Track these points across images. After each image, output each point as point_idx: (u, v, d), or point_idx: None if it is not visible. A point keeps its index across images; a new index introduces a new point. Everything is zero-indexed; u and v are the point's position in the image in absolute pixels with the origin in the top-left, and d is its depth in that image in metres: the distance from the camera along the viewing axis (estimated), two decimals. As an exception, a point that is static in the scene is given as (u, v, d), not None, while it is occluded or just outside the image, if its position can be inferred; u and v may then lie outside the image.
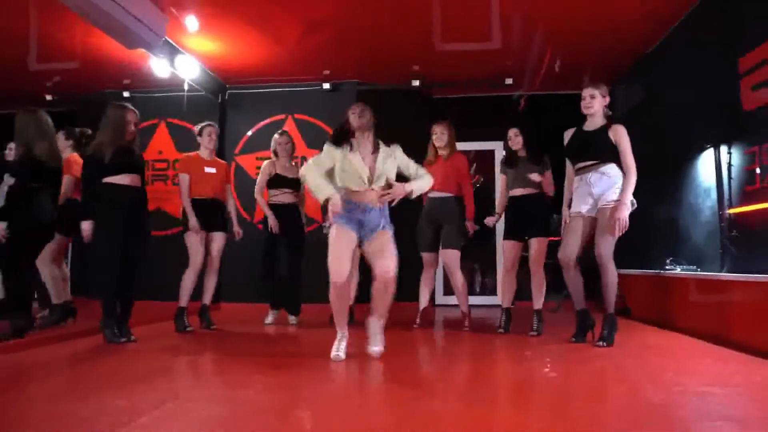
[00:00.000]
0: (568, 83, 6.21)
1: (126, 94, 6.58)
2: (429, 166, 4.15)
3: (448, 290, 6.55)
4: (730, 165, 4.01)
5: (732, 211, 3.96)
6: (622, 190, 3.39)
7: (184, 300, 4.22)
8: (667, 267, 4.53)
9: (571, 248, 3.61)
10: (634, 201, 3.43)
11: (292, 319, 4.75)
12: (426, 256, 4.54)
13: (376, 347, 3.06)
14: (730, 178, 4.01)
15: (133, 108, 3.78)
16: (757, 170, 3.68)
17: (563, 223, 3.76)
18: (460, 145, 6.00)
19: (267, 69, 6.21)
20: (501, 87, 6.37)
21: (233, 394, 2.37)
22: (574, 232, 3.62)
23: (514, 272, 4.18)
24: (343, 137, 3.10)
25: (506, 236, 4.19)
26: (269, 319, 4.76)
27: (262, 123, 6.55)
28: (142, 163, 3.89)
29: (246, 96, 6.63)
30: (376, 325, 3.11)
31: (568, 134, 3.80)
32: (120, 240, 3.56)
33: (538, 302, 4.08)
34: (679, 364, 2.99)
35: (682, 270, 4.38)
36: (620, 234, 3.38)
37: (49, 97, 6.78)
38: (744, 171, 3.87)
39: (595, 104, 3.58)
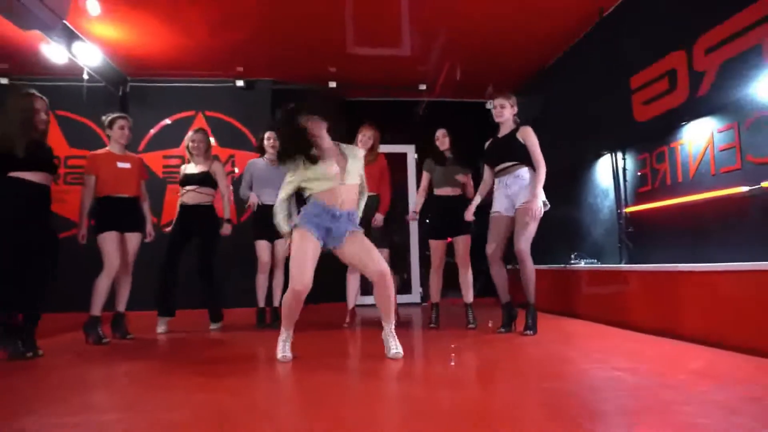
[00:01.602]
0: (472, 92, 6.65)
1: (4, 80, 5.84)
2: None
3: (365, 290, 6.64)
4: (624, 169, 4.55)
5: (628, 210, 4.49)
6: (534, 184, 3.72)
7: (97, 308, 3.85)
8: (572, 261, 5.01)
9: (496, 244, 3.90)
10: (547, 202, 3.78)
11: (215, 326, 4.53)
12: None
13: (393, 350, 2.99)
14: (625, 180, 4.55)
15: (41, 95, 3.39)
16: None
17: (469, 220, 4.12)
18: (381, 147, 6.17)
19: (175, 62, 5.85)
20: (414, 92, 6.60)
21: (169, 415, 2.23)
22: (496, 229, 3.92)
23: (441, 269, 4.38)
24: (305, 146, 2.98)
25: (433, 235, 4.37)
26: (162, 329, 4.41)
27: (169, 119, 6.15)
28: (54, 159, 3.50)
29: (151, 90, 6.18)
30: (387, 331, 3.07)
31: (486, 144, 4.09)
32: (16, 241, 3.18)
33: (469, 296, 4.31)
34: (599, 346, 3.34)
35: (585, 263, 4.86)
36: (535, 222, 3.69)
37: None
38: (636, 175, 4.41)
39: (505, 113, 3.94)
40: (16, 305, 3.25)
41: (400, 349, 3.00)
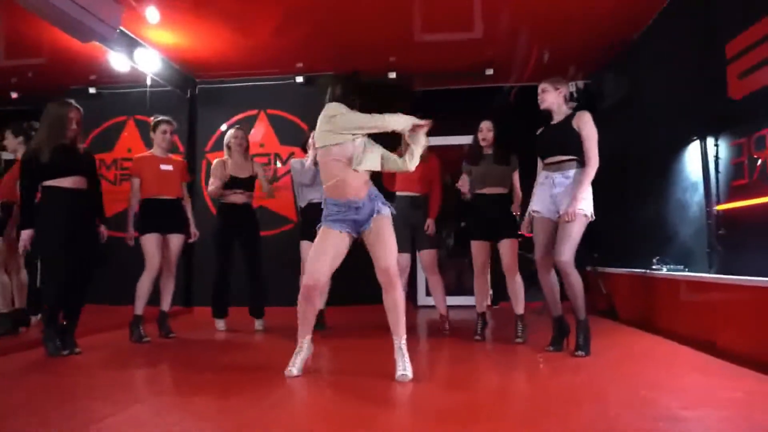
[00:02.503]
0: (545, 75, 5.96)
1: (92, 90, 6.33)
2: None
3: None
4: (717, 158, 3.75)
5: (719, 207, 3.71)
6: (579, 183, 3.20)
7: (139, 307, 3.98)
8: (653, 267, 4.28)
9: (543, 250, 3.43)
10: (592, 213, 3.25)
11: (258, 324, 4.50)
12: (399, 257, 4.29)
13: (401, 372, 2.65)
14: (717, 172, 3.76)
15: (76, 105, 3.52)
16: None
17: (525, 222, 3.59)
18: (440, 139, 5.79)
19: (237, 62, 5.93)
20: (481, 78, 6.10)
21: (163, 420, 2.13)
22: (542, 232, 3.45)
23: (486, 274, 3.96)
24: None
25: (475, 236, 3.94)
26: (220, 326, 4.48)
27: (233, 118, 6.27)
28: (90, 162, 3.61)
29: (217, 91, 6.35)
30: (396, 346, 2.75)
31: (538, 132, 3.59)
32: (63, 247, 3.32)
33: (519, 306, 3.84)
34: (657, 378, 2.74)
35: (669, 270, 4.13)
36: (579, 228, 3.19)
37: (14, 95, 6.53)
38: (731, 164, 3.62)
39: (547, 98, 3.43)
40: (60, 305, 3.41)
41: (409, 371, 2.66)
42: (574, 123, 3.34)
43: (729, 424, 2.02)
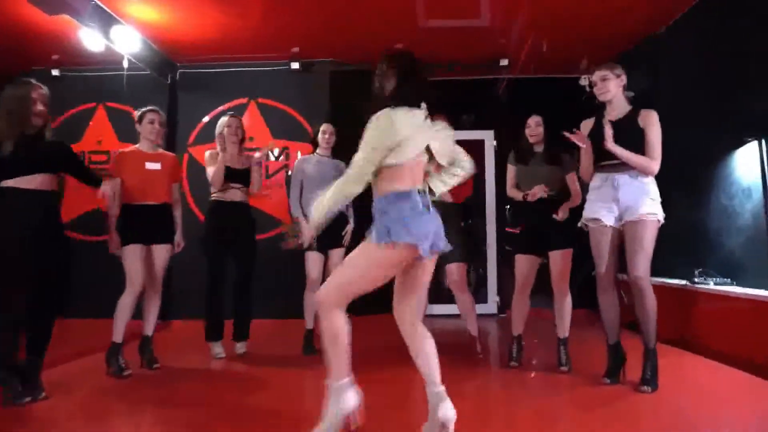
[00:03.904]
0: (563, 66, 5.56)
1: (56, 72, 5.55)
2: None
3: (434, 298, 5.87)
4: (780, 162, 3.38)
5: (786, 217, 3.34)
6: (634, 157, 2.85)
7: (119, 333, 3.34)
8: (695, 279, 3.91)
9: (607, 264, 3.00)
10: (663, 214, 2.88)
11: (239, 347, 3.90)
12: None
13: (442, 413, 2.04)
14: (780, 177, 3.39)
15: (39, 84, 2.87)
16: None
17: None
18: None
19: (225, 45, 5.28)
20: (495, 69, 5.62)
21: None
22: (604, 244, 3.01)
23: (528, 292, 3.49)
24: None
25: (520, 248, 3.46)
26: (217, 353, 3.83)
27: (220, 108, 5.60)
28: (60, 156, 2.96)
29: (201, 77, 5.67)
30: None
31: (586, 125, 3.15)
32: (19, 266, 2.69)
33: (564, 329, 3.38)
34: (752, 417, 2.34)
35: (716, 284, 3.76)
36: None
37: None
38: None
39: (610, 87, 3.00)
40: (13, 339, 2.76)
41: (451, 415, 2.04)
42: (641, 121, 2.92)
43: None
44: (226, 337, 3.88)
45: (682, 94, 4.43)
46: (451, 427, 2.04)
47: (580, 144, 2.98)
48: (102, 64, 5.24)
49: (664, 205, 2.91)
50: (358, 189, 2.07)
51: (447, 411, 2.04)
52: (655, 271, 4.14)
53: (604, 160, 2.99)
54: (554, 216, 3.32)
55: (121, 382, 3.19)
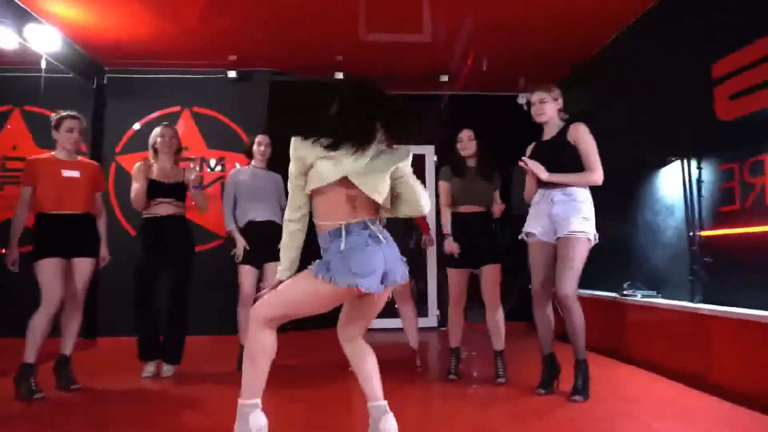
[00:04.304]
0: (503, 84, 5.72)
1: (-34, 71, 5.12)
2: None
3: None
4: (700, 181, 3.58)
5: (704, 233, 3.53)
6: (570, 176, 2.95)
7: (31, 353, 3.04)
8: (624, 292, 4.07)
9: (541, 278, 3.08)
10: (596, 235, 2.97)
11: (168, 369, 3.66)
12: None
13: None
14: (699, 195, 3.59)
15: None
16: None
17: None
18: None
19: (158, 50, 5.05)
20: (435, 84, 5.70)
21: None
22: (539, 259, 3.09)
23: (462, 305, 3.50)
24: None
25: (452, 263, 3.47)
26: (148, 372, 3.62)
27: (151, 116, 5.34)
28: None
29: (130, 81, 5.38)
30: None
31: (529, 149, 3.22)
32: None
33: (499, 342, 3.41)
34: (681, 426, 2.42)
35: (643, 296, 3.92)
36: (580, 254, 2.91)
37: None
38: (719, 189, 3.45)
39: (546, 110, 3.10)
40: None
41: (393, 428, 1.99)
42: (570, 137, 3.02)
43: None
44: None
45: (613, 115, 4.65)
46: None
47: (538, 173, 2.98)
48: (18, 65, 4.88)
49: (597, 220, 3.00)
50: (296, 217, 2.01)
51: (389, 426, 1.98)
52: (589, 284, 4.31)
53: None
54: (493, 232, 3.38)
55: (33, 407, 2.89)
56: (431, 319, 6.08)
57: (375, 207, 2.02)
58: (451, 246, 3.38)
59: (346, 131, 1.99)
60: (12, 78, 5.12)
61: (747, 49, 3.18)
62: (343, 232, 1.92)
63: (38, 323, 3.07)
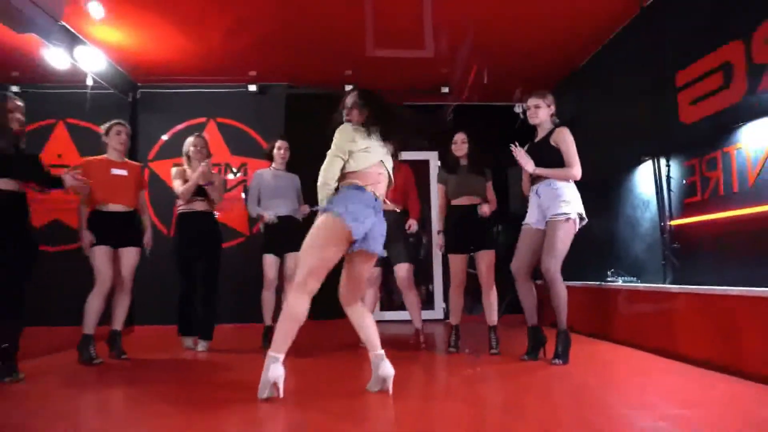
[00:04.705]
0: (499, 95, 6.21)
1: (15, 88, 5.69)
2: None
3: (386, 306, 6.30)
4: (669, 177, 4.06)
5: (673, 222, 4.00)
6: (550, 170, 3.39)
7: (89, 326, 3.59)
8: (608, 279, 4.52)
9: (522, 259, 3.52)
10: (582, 215, 3.39)
11: (202, 345, 4.19)
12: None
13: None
14: (669, 190, 4.05)
15: (14, 96, 3.16)
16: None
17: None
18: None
19: (185, 67, 5.62)
20: (437, 95, 6.21)
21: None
22: (524, 242, 3.56)
23: (462, 287, 3.98)
24: None
25: (452, 249, 3.96)
26: (187, 345, 4.23)
27: (179, 126, 5.92)
28: (31, 169, 3.25)
29: (161, 96, 5.97)
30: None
31: (525, 148, 3.69)
32: None
33: (493, 318, 3.88)
34: (638, 382, 2.87)
35: (624, 282, 4.37)
36: (565, 237, 3.34)
37: None
38: (683, 183, 3.92)
39: (540, 114, 3.56)
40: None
41: (390, 371, 2.55)
42: (553, 140, 3.47)
43: (716, 417, 2.15)
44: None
45: (596, 121, 5.13)
46: (390, 381, 2.49)
47: (524, 165, 3.44)
48: (63, 82, 5.46)
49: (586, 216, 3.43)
50: (332, 183, 2.52)
51: (386, 369, 2.50)
52: (578, 274, 4.77)
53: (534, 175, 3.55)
54: (480, 213, 3.86)
55: (92, 368, 3.45)
56: (438, 311, 6.54)
57: (384, 187, 2.59)
58: (440, 241, 3.97)
59: (380, 127, 2.59)
60: (58, 94, 5.70)
61: (703, 60, 3.67)
62: (369, 194, 2.50)
63: (92, 302, 3.61)
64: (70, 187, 3.34)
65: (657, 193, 4.18)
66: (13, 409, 2.49)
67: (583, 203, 3.46)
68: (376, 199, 2.53)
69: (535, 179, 3.51)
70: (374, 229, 2.51)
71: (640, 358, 3.62)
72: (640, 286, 4.10)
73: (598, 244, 4.90)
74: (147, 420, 2.29)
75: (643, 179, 4.43)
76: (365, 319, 2.63)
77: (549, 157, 3.44)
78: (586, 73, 5.53)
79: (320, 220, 2.49)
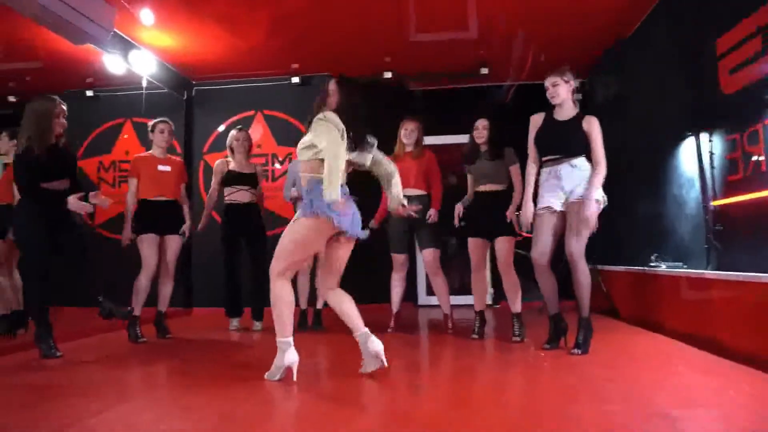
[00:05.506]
0: (539, 73, 5.95)
1: (89, 93, 6.34)
2: (397, 161, 3.87)
3: (432, 290, 6.31)
4: (711, 153, 3.74)
5: (716, 203, 3.70)
6: (590, 185, 3.16)
7: (136, 308, 3.98)
8: (651, 263, 4.27)
9: (542, 247, 3.37)
10: (605, 197, 3.22)
11: (257, 325, 4.51)
12: (398, 257, 4.29)
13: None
14: (712, 167, 3.75)
15: (60, 99, 3.53)
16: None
17: (526, 220, 3.43)
18: (436, 139, 5.79)
19: (232, 63, 5.94)
20: (476, 77, 6.10)
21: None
22: (544, 229, 3.37)
23: (483, 272, 3.95)
24: None
25: (471, 233, 3.93)
26: (233, 326, 4.57)
27: (231, 119, 6.28)
28: (75, 163, 3.66)
29: (213, 92, 6.36)
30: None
31: (535, 120, 3.50)
32: (46, 248, 3.32)
33: (516, 305, 3.82)
34: (655, 377, 2.72)
35: (668, 267, 4.12)
36: (590, 233, 3.15)
37: (12, 99, 6.54)
38: (726, 159, 3.61)
39: (560, 92, 3.35)
40: (47, 304, 3.39)
41: (379, 346, 2.62)
42: (585, 125, 3.28)
43: (722, 423, 2.01)
44: (244, 318, 4.62)
45: (640, 98, 4.81)
46: (383, 355, 2.58)
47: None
48: (127, 85, 5.97)
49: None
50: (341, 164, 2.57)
51: (375, 344, 2.59)
52: (618, 258, 4.55)
53: (547, 156, 3.40)
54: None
55: (138, 346, 3.84)
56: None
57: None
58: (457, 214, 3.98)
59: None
60: (121, 96, 6.25)
61: (741, 25, 3.33)
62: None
63: (140, 284, 3.99)
64: (92, 203, 3.57)
65: (699, 170, 3.88)
66: (60, 378, 2.87)
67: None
68: (343, 186, 2.62)
69: (549, 161, 3.37)
70: (355, 215, 2.59)
71: (674, 349, 3.42)
72: (680, 271, 3.84)
73: (643, 226, 4.62)
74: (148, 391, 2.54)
75: (688, 156, 4.12)
76: (344, 303, 2.70)
77: (576, 139, 3.27)
78: (630, 47, 5.17)
79: (310, 220, 2.54)
